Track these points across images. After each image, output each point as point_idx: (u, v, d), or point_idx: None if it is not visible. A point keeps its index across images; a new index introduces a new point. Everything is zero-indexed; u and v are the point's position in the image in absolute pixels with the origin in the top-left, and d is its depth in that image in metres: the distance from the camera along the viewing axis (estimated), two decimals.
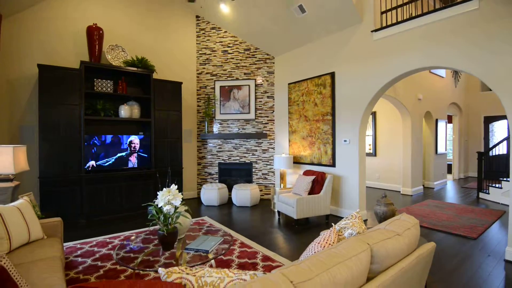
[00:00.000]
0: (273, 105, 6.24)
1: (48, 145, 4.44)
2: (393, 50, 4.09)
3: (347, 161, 4.72)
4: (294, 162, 5.67)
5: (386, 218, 2.83)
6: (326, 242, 1.68)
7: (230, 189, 6.11)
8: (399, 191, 7.13)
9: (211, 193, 5.64)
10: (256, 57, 6.29)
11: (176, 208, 2.39)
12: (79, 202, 4.66)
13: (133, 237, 2.86)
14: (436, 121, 7.83)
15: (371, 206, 5.50)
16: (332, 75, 4.96)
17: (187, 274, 1.15)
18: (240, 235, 3.93)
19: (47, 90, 4.42)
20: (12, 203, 2.50)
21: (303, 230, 4.20)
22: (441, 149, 8.08)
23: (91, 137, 4.80)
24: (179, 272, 1.15)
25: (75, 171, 4.64)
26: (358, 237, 1.47)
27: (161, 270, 1.15)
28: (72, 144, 4.63)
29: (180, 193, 2.39)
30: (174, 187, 2.38)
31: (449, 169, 9.58)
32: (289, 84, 5.86)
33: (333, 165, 4.93)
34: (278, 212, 4.81)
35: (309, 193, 4.57)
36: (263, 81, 6.27)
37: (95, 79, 4.99)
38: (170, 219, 2.37)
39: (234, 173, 6.42)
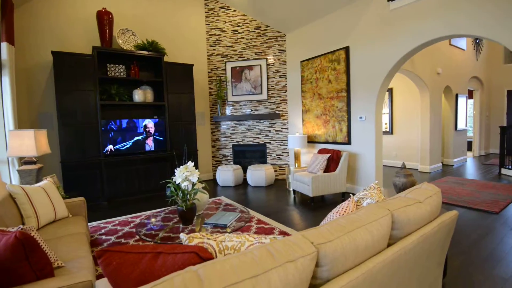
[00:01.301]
0: (286, 84, 6.13)
1: (67, 131, 4.56)
2: (411, 20, 3.89)
3: (363, 138, 4.63)
4: (308, 142, 5.61)
5: (405, 189, 2.78)
6: (345, 212, 1.67)
7: (245, 171, 6.16)
8: (417, 169, 6.99)
9: (227, 174, 5.71)
10: (266, 36, 6.15)
11: (193, 184, 2.43)
12: (99, 185, 4.82)
13: (153, 216, 2.95)
14: (456, 96, 7.52)
15: (388, 183, 5.43)
16: (347, 49, 4.79)
17: (208, 239, 1.17)
18: (257, 213, 3.98)
19: (62, 77, 4.49)
20: (37, 184, 2.60)
21: (319, 207, 4.21)
22: (461, 125, 7.80)
23: (108, 122, 4.90)
24: (200, 238, 1.17)
25: (94, 155, 4.77)
26: (378, 204, 1.45)
27: (182, 236, 1.18)
28: (90, 129, 4.74)
29: (196, 170, 2.42)
30: (190, 164, 2.41)
31: (469, 146, 9.27)
32: (301, 61, 5.72)
33: (348, 142, 4.86)
34: (294, 191, 4.82)
35: (325, 171, 4.55)
36: (274, 60, 6.14)
37: (107, 64, 5.03)
38: (188, 195, 2.42)
39: (248, 155, 6.44)
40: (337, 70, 4.98)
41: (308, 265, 0.95)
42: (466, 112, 8.13)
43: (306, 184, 4.34)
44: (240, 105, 6.34)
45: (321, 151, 4.90)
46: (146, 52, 5.18)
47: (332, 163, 4.54)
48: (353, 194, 4.69)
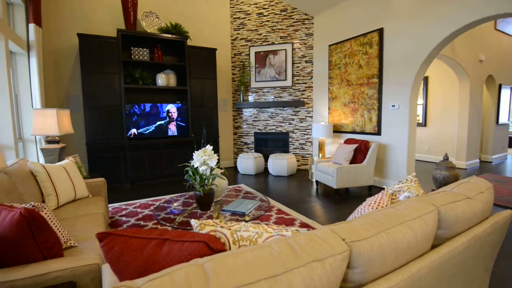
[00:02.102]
0: (312, 70, 5.84)
1: (92, 113, 4.62)
2: None
3: (394, 129, 4.30)
4: (334, 131, 5.34)
5: (447, 184, 2.50)
6: (378, 205, 1.48)
7: (266, 159, 6.01)
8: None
9: (247, 162, 5.59)
10: (293, 18, 5.85)
11: (212, 169, 2.31)
12: (123, 167, 4.89)
13: (172, 200, 2.89)
14: (500, 86, 6.84)
15: (421, 179, 5.06)
16: (380, 32, 4.42)
17: (222, 227, 1.03)
18: (277, 202, 3.84)
19: (88, 59, 4.53)
20: (58, 163, 2.61)
21: (343, 200, 3.99)
22: (503, 119, 7.12)
23: (132, 106, 4.92)
24: (213, 225, 1.03)
25: (118, 138, 4.82)
26: (420, 198, 1.24)
27: (193, 222, 1.05)
28: (114, 112, 4.78)
29: (215, 154, 2.29)
30: (209, 147, 2.28)
31: (511, 142, 8.50)
32: (329, 46, 5.39)
33: (378, 133, 4.54)
34: (317, 182, 4.62)
35: (351, 162, 4.29)
36: (300, 44, 5.85)
37: (132, 48, 5.01)
38: (206, 180, 2.31)
39: (270, 143, 6.27)
40: (369, 54, 4.63)
41: (339, 266, 0.78)
42: (510, 105, 7.40)
43: (330, 175, 4.12)
44: (263, 92, 6.14)
45: (347, 141, 4.63)
46: (169, 35, 5.09)
47: (359, 154, 4.27)
48: (381, 188, 4.42)
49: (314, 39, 5.76)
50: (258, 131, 6.27)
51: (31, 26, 3.74)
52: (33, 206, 1.45)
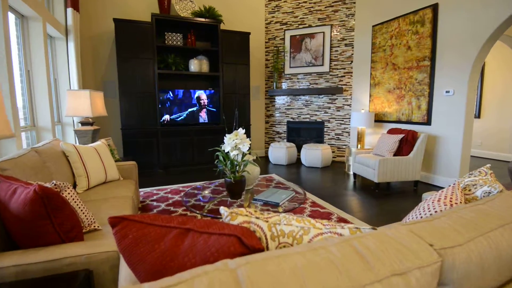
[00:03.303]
0: (352, 54, 5.40)
1: (127, 99, 4.65)
2: None
3: (448, 118, 3.81)
4: (375, 121, 4.91)
5: None
6: (451, 201, 1.18)
7: (299, 150, 5.74)
8: (508, 161, 5.74)
9: (280, 152, 5.36)
10: None
11: (244, 154, 2.12)
12: (156, 153, 4.91)
13: (203, 187, 2.78)
14: None
15: None
16: (435, 7, 3.90)
17: (257, 218, 0.82)
18: (311, 195, 3.58)
19: (123, 45, 4.53)
20: (90, 144, 2.58)
21: (385, 195, 3.63)
22: None
23: (165, 92, 4.89)
24: (246, 215, 0.83)
25: (151, 124, 4.83)
26: None
27: (223, 210, 0.85)
28: (148, 98, 4.78)
29: (248, 138, 2.10)
30: (241, 130, 2.09)
31: None
32: (373, 26, 4.92)
33: (427, 122, 4.07)
34: (354, 174, 4.27)
35: (395, 154, 3.89)
36: (340, 26, 5.42)
37: (165, 33, 4.95)
38: (237, 166, 2.13)
39: (304, 133, 5.98)
40: (420, 33, 4.12)
41: (428, 283, 0.54)
42: None
43: (371, 168, 3.76)
44: (298, 78, 5.82)
45: (391, 131, 4.20)
46: (202, 19, 4.95)
47: (405, 146, 3.85)
48: (429, 184, 3.96)
49: (355, 20, 5.30)
50: (291, 120, 5.99)
51: (69, 10, 3.78)
52: (55, 185, 1.36)
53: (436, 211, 1.09)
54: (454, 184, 1.34)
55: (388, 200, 3.43)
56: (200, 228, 0.73)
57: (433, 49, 3.96)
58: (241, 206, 2.23)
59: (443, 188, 3.85)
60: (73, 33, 3.81)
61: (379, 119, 4.87)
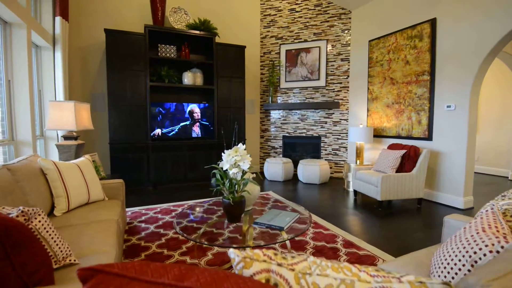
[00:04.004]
0: (348, 69, 5.35)
1: (117, 112, 4.43)
2: None
3: (449, 133, 3.71)
4: (374, 136, 4.79)
5: None
6: (497, 230, 1.00)
7: (295, 165, 5.56)
8: (507, 177, 5.69)
9: (276, 167, 5.17)
10: (328, 13, 5.41)
11: (243, 172, 1.92)
12: (146, 169, 4.65)
13: (195, 207, 2.54)
14: None
15: (478, 192, 4.39)
16: (433, 22, 3.88)
17: (279, 265, 0.62)
18: (312, 214, 3.37)
19: (114, 56, 4.36)
20: (73, 161, 2.34)
21: (388, 214, 3.45)
22: None
23: (156, 105, 4.69)
24: (264, 261, 0.63)
25: (142, 138, 4.60)
26: None
27: (233, 254, 0.65)
28: (138, 111, 4.57)
29: (248, 155, 1.91)
30: (241, 146, 1.90)
31: None
32: (370, 41, 4.89)
33: (428, 138, 3.96)
34: (355, 191, 4.10)
35: (397, 171, 3.75)
36: (336, 41, 5.39)
37: (159, 45, 4.81)
38: (236, 186, 1.92)
39: (300, 148, 5.82)
40: (418, 48, 4.08)
41: None
42: None
43: (373, 185, 3.60)
44: (293, 93, 5.73)
45: (392, 147, 4.08)
46: (197, 32, 4.84)
47: (407, 162, 3.72)
48: (432, 202, 3.79)
49: (351, 35, 5.28)
50: (287, 134, 5.84)
51: (57, 19, 3.60)
52: (22, 212, 1.13)
53: (487, 245, 0.90)
54: (492, 209, 1.17)
55: (393, 220, 3.24)
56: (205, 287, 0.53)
57: (432, 63, 3.91)
58: (239, 229, 2.01)
59: (448, 206, 3.74)
60: (61, 42, 3.62)
61: (378, 134, 4.76)
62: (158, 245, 2.52)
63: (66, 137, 2.84)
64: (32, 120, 2.88)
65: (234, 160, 1.82)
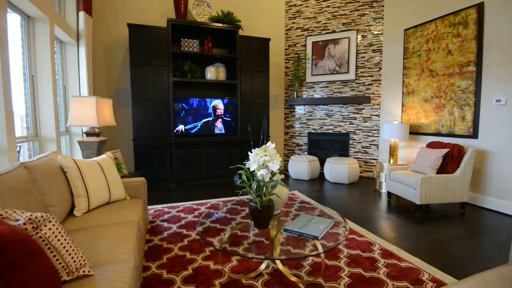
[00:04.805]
0: (380, 60, 4.98)
1: (140, 108, 4.39)
2: None
3: (499, 130, 3.31)
4: (409, 133, 4.42)
5: None
6: None
7: (321, 163, 5.29)
8: None
9: (301, 166, 4.93)
10: (359, 1, 5.06)
11: (273, 174, 1.73)
12: (169, 165, 4.59)
13: (218, 207, 2.40)
14: None
15: None
16: (480, 7, 3.46)
17: None
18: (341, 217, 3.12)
19: (137, 51, 4.30)
20: (94, 158, 2.25)
21: (428, 219, 3.13)
22: None
23: (179, 101, 4.61)
24: None
25: (165, 134, 4.54)
26: None
27: None
28: (161, 107, 4.50)
29: (278, 154, 1.71)
30: (271, 145, 1.71)
31: None
32: (405, 30, 4.50)
33: (473, 135, 3.57)
34: (389, 193, 3.79)
35: (438, 172, 3.40)
36: (367, 31, 5.03)
37: (181, 39, 4.71)
38: (265, 188, 1.74)
39: (326, 145, 5.54)
40: (462, 36, 3.68)
41: None
42: None
43: (411, 187, 3.28)
44: (320, 87, 5.44)
45: (432, 145, 3.72)
46: (220, 25, 4.69)
47: (450, 162, 3.36)
48: (478, 207, 3.37)
49: (384, 24, 4.90)
50: (313, 131, 5.58)
51: (81, 14, 3.56)
52: (29, 219, 1.01)
53: None
54: None
55: (434, 226, 2.93)
56: None
57: (479, 52, 3.50)
58: (266, 233, 1.83)
59: (496, 212, 3.34)
60: (85, 38, 3.58)
61: (414, 131, 4.39)
62: (181, 247, 2.40)
63: (88, 134, 2.79)
64: (56, 116, 2.85)
65: (263, 161, 1.63)
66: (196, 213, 3.28)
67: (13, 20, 2.54)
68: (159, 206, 3.51)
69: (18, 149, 2.83)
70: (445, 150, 3.37)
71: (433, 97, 4.09)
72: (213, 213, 2.26)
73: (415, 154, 4.29)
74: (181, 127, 4.66)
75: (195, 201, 3.74)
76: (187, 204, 3.62)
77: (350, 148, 5.29)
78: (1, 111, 1.90)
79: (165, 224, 2.93)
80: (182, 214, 3.22)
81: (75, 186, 1.96)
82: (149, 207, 3.45)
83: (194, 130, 4.74)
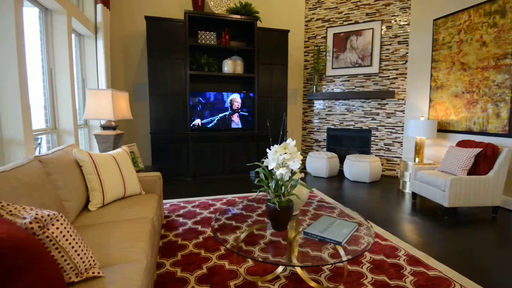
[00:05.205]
0: (407, 53, 4.70)
1: (157, 102, 4.37)
2: None
3: None
4: (437, 130, 4.16)
5: None
6: None
7: (341, 161, 5.11)
8: None
9: (319, 162, 4.77)
10: None
11: (293, 173, 1.62)
12: (185, 159, 4.56)
13: (235, 202, 2.34)
14: None
15: None
16: None
17: None
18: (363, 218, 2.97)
19: (154, 44, 4.26)
20: (109, 152, 2.22)
21: (456, 223, 2.92)
22: None
23: (196, 95, 4.55)
24: None
25: (181, 128, 4.50)
26: None
27: None
28: (178, 101, 4.46)
29: (298, 152, 1.60)
30: (291, 142, 1.59)
31: None
32: (435, 20, 4.21)
33: (509, 134, 3.29)
34: (413, 194, 3.58)
35: (469, 173, 3.17)
36: (392, 21, 4.75)
37: (198, 31, 4.63)
38: (283, 188, 1.63)
39: (346, 142, 5.34)
40: (499, 26, 3.38)
41: None
42: None
43: (439, 189, 3.07)
44: (341, 81, 5.22)
45: (462, 144, 3.47)
46: (238, 16, 4.56)
47: (482, 162, 3.11)
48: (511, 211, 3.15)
49: (411, 14, 4.61)
50: (332, 127, 5.38)
51: (99, 6, 3.55)
52: (35, 218, 0.95)
53: None
54: None
55: (464, 231, 2.72)
56: None
57: None
58: (283, 233, 1.74)
59: None
60: (103, 30, 3.57)
61: (442, 129, 4.12)
62: (196, 244, 2.34)
63: (105, 127, 2.77)
64: (74, 109, 2.85)
65: (282, 159, 1.52)
66: (211, 208, 3.22)
67: (32, 13, 2.53)
68: (175, 201, 3.48)
69: (39, 141, 2.87)
70: (477, 150, 3.12)
71: (465, 92, 3.81)
72: (229, 209, 2.20)
73: (443, 153, 4.04)
74: (197, 121, 4.61)
75: (211, 196, 3.69)
76: (203, 199, 3.57)
77: (371, 145, 5.07)
78: (18, 104, 1.89)
79: (181, 220, 2.89)
80: (197, 210, 3.18)
81: (90, 181, 1.93)
82: (164, 201, 3.43)
83: (210, 125, 4.69)
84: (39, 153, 2.84)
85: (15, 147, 1.96)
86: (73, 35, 3.13)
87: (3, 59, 1.85)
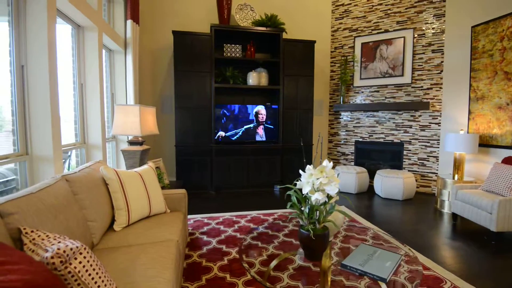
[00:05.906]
0: (442, 62, 4.42)
1: (183, 114, 4.39)
2: None
3: None
4: (479, 145, 3.83)
5: None
6: None
7: (370, 176, 4.85)
8: None
9: (348, 177, 4.55)
10: None
11: (329, 197, 1.48)
12: (209, 173, 4.52)
13: (260, 220, 2.21)
14: None
15: None
16: None
17: None
18: (398, 242, 2.73)
19: (181, 58, 4.31)
20: (135, 169, 2.18)
21: (506, 250, 2.61)
22: None
23: (221, 107, 4.53)
24: None
25: (206, 141, 4.48)
26: None
27: None
28: (203, 113, 4.46)
29: (336, 175, 1.46)
30: (328, 164, 1.46)
31: None
32: (473, 27, 3.94)
33: None
34: (454, 214, 3.28)
35: None
36: (426, 29, 4.51)
37: (224, 44, 4.63)
38: (318, 213, 1.49)
39: (376, 156, 5.07)
40: None
41: None
42: None
43: (485, 211, 2.78)
44: (370, 92, 5.01)
45: (509, 160, 3.15)
46: (263, 28, 4.53)
47: None
48: None
49: (446, 21, 4.35)
50: (361, 139, 5.15)
51: (129, 22, 3.63)
52: (57, 253, 0.88)
53: None
54: None
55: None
56: None
57: None
58: (318, 264, 1.58)
59: None
60: (132, 45, 3.64)
61: (483, 143, 3.79)
62: (220, 267, 2.23)
63: (131, 142, 2.77)
64: (102, 124, 2.88)
65: (320, 183, 1.38)
66: (236, 226, 3.11)
67: (65, 30, 2.60)
68: (198, 216, 3.41)
69: (69, 154, 2.91)
70: None
71: (509, 104, 3.49)
72: (254, 228, 2.08)
73: (485, 170, 3.70)
74: (221, 134, 4.57)
75: (235, 212, 3.58)
76: (227, 215, 3.47)
77: (404, 160, 4.77)
78: (48, 122, 1.90)
79: (205, 238, 2.80)
80: (221, 227, 3.08)
81: (116, 199, 1.89)
82: (189, 216, 3.36)
83: (235, 137, 4.63)
84: (69, 165, 2.88)
85: (45, 163, 1.97)
86: (103, 51, 3.20)
87: (35, 77, 1.89)
